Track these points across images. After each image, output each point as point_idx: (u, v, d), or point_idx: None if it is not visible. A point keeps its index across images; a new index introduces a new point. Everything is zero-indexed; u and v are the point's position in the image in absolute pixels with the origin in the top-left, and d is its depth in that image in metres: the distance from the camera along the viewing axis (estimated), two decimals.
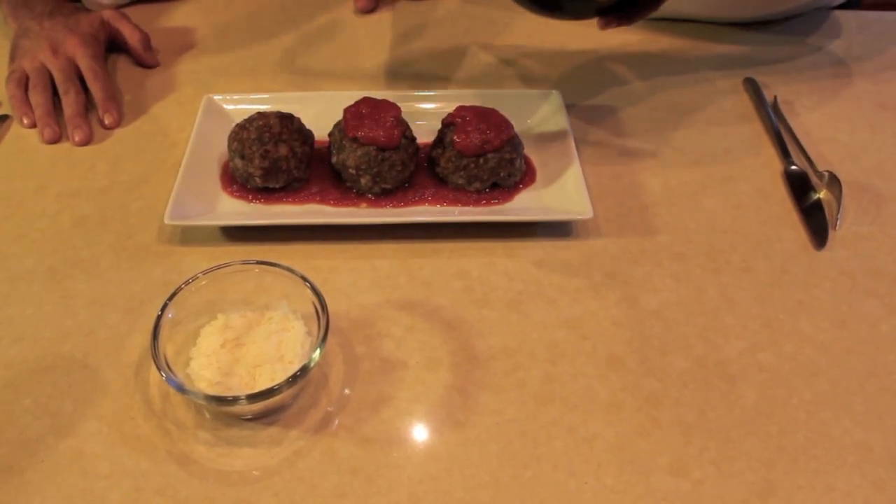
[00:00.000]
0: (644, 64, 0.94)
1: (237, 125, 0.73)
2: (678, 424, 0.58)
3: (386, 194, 0.73)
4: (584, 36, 0.97)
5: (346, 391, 0.60)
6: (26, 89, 0.84)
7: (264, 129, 0.71)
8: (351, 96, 0.74)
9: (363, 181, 0.72)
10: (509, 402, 0.59)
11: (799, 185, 0.77)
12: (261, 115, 0.73)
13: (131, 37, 0.92)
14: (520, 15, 1.01)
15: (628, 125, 0.85)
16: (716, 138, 0.84)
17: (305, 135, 0.74)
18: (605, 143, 0.82)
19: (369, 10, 1.03)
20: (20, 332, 0.64)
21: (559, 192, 0.74)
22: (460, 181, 0.73)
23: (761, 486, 0.55)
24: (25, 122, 0.83)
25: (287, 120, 0.73)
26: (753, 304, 0.67)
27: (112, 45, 0.94)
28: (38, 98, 0.83)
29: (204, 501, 0.53)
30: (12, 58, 0.88)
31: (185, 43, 0.97)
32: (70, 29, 0.87)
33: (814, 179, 0.78)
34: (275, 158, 0.71)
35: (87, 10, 0.94)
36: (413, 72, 0.93)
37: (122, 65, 0.93)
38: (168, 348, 0.57)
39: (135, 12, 0.98)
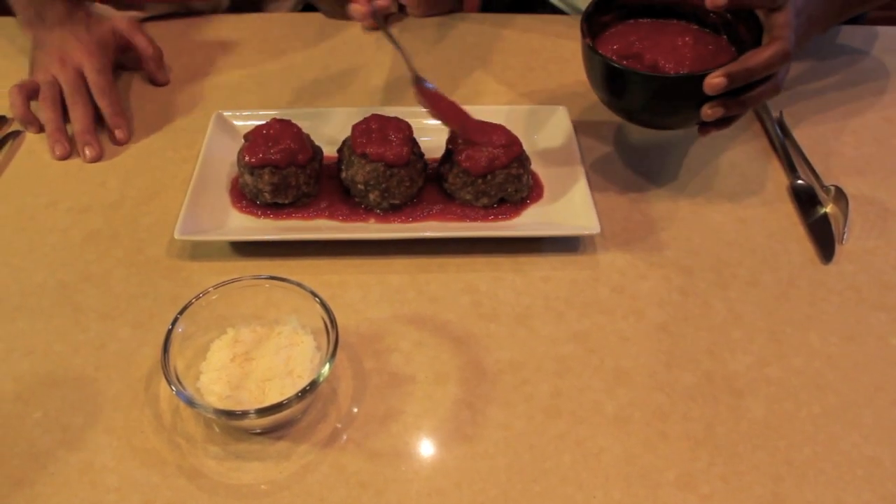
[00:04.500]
0: None
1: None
2: (686, 438, 0.58)
3: (394, 210, 0.74)
4: None
5: (355, 406, 0.60)
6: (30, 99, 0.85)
7: None
8: (359, 112, 0.75)
9: (371, 197, 0.72)
10: (517, 416, 0.59)
11: (805, 200, 0.78)
12: None
13: (145, 51, 0.92)
14: (527, 32, 1.02)
15: (634, 141, 0.85)
16: (722, 153, 0.84)
17: (314, 151, 0.75)
18: (612, 159, 0.83)
19: (377, 27, 1.04)
20: (31, 345, 0.64)
21: (566, 207, 0.74)
22: (468, 197, 0.73)
23: (769, 501, 0.55)
24: (31, 129, 0.85)
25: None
26: (760, 318, 0.67)
27: (124, 58, 0.94)
28: (48, 113, 0.84)
29: None
30: (31, 71, 0.88)
31: (195, 59, 0.98)
32: (78, 38, 0.87)
33: (820, 194, 0.78)
34: (284, 174, 0.71)
35: (101, 19, 0.92)
36: None
37: (134, 81, 0.94)
38: (178, 362, 0.58)
39: (146, 28, 0.98)
